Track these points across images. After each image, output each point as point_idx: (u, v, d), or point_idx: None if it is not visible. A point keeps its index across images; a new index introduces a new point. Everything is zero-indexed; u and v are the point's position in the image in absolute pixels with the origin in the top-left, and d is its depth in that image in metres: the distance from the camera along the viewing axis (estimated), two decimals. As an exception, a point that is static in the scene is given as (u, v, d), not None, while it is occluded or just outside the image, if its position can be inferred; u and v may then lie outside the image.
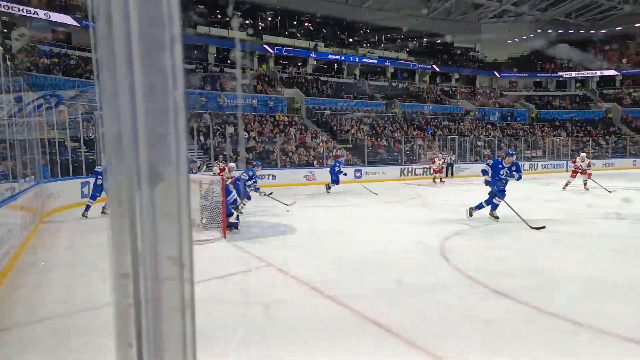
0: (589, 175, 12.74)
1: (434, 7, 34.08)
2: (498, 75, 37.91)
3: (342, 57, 31.69)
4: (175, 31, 0.48)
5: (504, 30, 37.59)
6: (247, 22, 30.43)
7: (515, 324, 3.08)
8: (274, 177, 16.44)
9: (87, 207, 8.39)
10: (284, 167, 17.81)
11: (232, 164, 9.87)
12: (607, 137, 31.45)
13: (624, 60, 38.61)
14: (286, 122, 22.80)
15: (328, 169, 14.05)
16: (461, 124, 29.13)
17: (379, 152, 21.94)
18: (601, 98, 37.55)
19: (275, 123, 22.23)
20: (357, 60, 31.99)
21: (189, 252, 0.47)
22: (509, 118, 33.03)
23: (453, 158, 21.35)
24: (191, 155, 16.84)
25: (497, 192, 7.31)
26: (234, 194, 7.06)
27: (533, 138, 28.27)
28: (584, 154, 13.26)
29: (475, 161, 23.52)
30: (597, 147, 29.39)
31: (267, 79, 26.75)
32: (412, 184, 16.84)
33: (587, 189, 12.64)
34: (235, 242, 5.98)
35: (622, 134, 33.24)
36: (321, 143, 20.52)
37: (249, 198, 8.97)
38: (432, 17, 34.76)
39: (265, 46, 28.70)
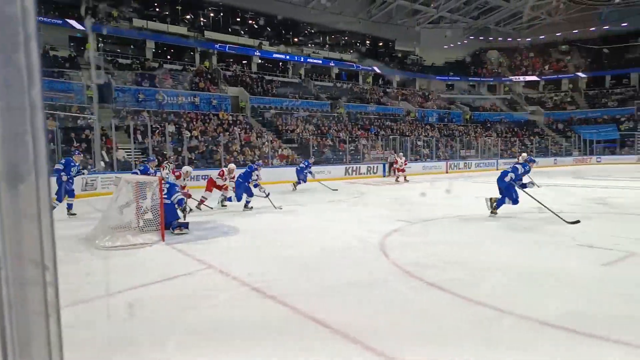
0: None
1: (375, 11, 35.07)
2: (435, 78, 39.86)
3: (287, 57, 31.63)
4: (31, 29, 0.47)
5: (441, 35, 39.59)
6: (187, 16, 29.40)
7: (447, 313, 3.25)
8: (217, 177, 16.03)
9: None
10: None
11: (232, 165, 9.78)
12: (531, 137, 34.22)
13: (546, 67, 42.22)
14: (230, 121, 22.35)
15: (295, 169, 14.68)
16: (402, 124, 30.23)
17: (324, 152, 22.18)
18: (526, 102, 40.79)
19: (219, 122, 21.71)
20: (302, 60, 32.07)
21: (51, 255, 0.46)
22: (446, 119, 34.83)
23: (395, 157, 22.11)
24: (128, 156, 15.97)
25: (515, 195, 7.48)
26: (179, 194, 6.75)
27: (467, 138, 30.03)
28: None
29: (416, 160, 24.53)
30: (523, 147, 31.83)
31: (210, 77, 26.04)
32: (356, 182, 17.20)
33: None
34: (175, 245, 5.77)
35: (545, 134, 36.34)
36: (266, 142, 20.35)
37: (251, 194, 9.02)
38: (374, 21, 35.75)
39: (208, 42, 27.96)
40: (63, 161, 8.47)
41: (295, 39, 34.43)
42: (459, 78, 40.50)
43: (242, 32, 31.29)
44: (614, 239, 5.58)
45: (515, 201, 7.48)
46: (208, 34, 28.58)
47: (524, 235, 6.18)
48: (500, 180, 7.61)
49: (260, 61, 30.52)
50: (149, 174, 8.15)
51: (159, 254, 5.42)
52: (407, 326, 3.03)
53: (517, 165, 7.64)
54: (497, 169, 26.47)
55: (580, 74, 40.27)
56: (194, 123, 20.50)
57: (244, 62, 30.33)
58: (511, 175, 7.39)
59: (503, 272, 4.30)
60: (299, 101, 27.78)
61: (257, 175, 9.15)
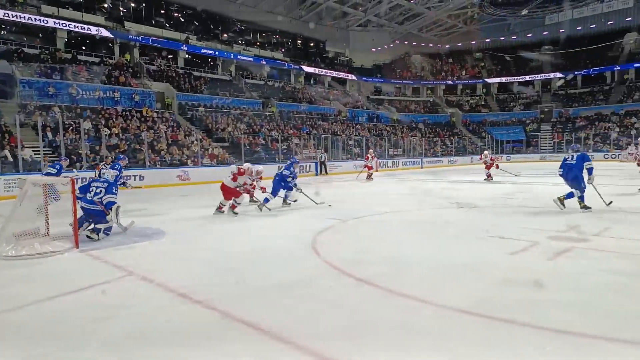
0: (497, 166, 15.49)
1: (304, 12, 35.31)
2: (363, 79, 41.25)
3: (217, 53, 30.67)
4: None
5: (369, 39, 41.01)
6: (105, 5, 27.27)
7: (375, 307, 3.36)
8: (142, 177, 15.11)
9: None
10: (153, 167, 16.53)
11: (260, 168, 9.40)
12: (451, 137, 36.74)
13: (463, 72, 45.58)
14: (155, 118, 21.17)
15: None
16: (334, 124, 30.80)
17: (256, 151, 21.89)
18: (446, 104, 43.73)
19: (143, 119, 20.46)
20: (232, 56, 31.29)
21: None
22: (375, 120, 36.14)
23: (325, 156, 22.48)
24: (36, 155, 14.44)
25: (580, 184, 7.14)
26: (112, 196, 6.12)
27: (395, 138, 31.46)
28: (487, 152, 16.01)
29: (347, 159, 25.15)
30: (444, 147, 34.07)
31: (131, 70, 24.42)
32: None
33: (485, 179, 15.19)
34: (91, 252, 5.32)
35: (463, 135, 39.21)
36: (195, 141, 19.58)
37: (290, 189, 9.17)
38: (305, 20, 36.00)
39: (128, 34, 26.16)
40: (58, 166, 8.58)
41: (225, 35, 33.51)
42: (383, 80, 42.33)
43: (167, 25, 29.78)
44: (521, 230, 6.16)
45: (583, 190, 7.22)
46: (128, 25, 26.78)
47: (443, 229, 6.60)
48: (568, 175, 7.35)
49: (187, 56, 29.26)
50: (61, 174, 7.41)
51: (72, 262, 4.96)
52: (337, 322, 3.08)
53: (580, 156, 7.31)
54: (422, 167, 28.09)
55: (491, 79, 44.10)
56: (114, 120, 19.11)
57: (169, 56, 28.87)
58: (588, 165, 7.11)
59: (425, 264, 4.55)
60: (229, 99, 27.11)
61: (293, 171, 9.42)
